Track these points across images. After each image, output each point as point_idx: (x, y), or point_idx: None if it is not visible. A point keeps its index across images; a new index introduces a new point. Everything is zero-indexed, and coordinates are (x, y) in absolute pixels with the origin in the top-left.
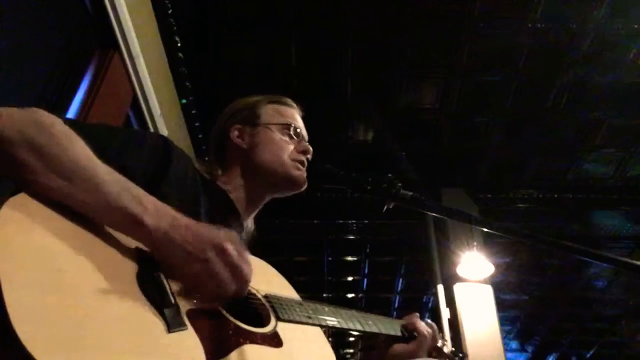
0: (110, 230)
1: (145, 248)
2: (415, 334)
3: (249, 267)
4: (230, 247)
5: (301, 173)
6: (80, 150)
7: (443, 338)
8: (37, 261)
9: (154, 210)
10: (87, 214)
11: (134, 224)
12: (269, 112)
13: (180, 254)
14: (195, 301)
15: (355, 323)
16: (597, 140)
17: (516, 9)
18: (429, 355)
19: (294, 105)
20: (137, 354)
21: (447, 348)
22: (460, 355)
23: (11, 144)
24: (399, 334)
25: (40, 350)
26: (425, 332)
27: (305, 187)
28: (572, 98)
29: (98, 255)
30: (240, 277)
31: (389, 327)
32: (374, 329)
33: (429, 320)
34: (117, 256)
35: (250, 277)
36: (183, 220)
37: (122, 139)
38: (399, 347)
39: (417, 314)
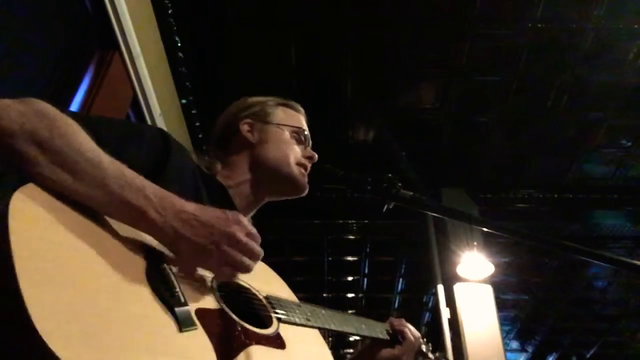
0: (118, 223)
1: (152, 241)
2: (400, 338)
3: (259, 241)
4: (240, 234)
5: (304, 178)
6: (84, 142)
7: (427, 343)
8: (51, 256)
9: (158, 204)
10: (93, 207)
11: (139, 218)
12: (280, 113)
13: (194, 249)
14: (202, 300)
15: (350, 327)
16: (597, 140)
17: (516, 9)
18: None
19: (302, 110)
20: (152, 353)
21: (432, 354)
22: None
23: (12, 136)
24: (386, 337)
25: (62, 347)
26: (412, 338)
27: (305, 193)
28: (572, 98)
29: (108, 250)
30: (253, 255)
31: (377, 330)
32: (365, 333)
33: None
34: (126, 250)
35: (261, 251)
36: (190, 209)
37: (121, 132)
38: (385, 352)
39: (403, 320)
